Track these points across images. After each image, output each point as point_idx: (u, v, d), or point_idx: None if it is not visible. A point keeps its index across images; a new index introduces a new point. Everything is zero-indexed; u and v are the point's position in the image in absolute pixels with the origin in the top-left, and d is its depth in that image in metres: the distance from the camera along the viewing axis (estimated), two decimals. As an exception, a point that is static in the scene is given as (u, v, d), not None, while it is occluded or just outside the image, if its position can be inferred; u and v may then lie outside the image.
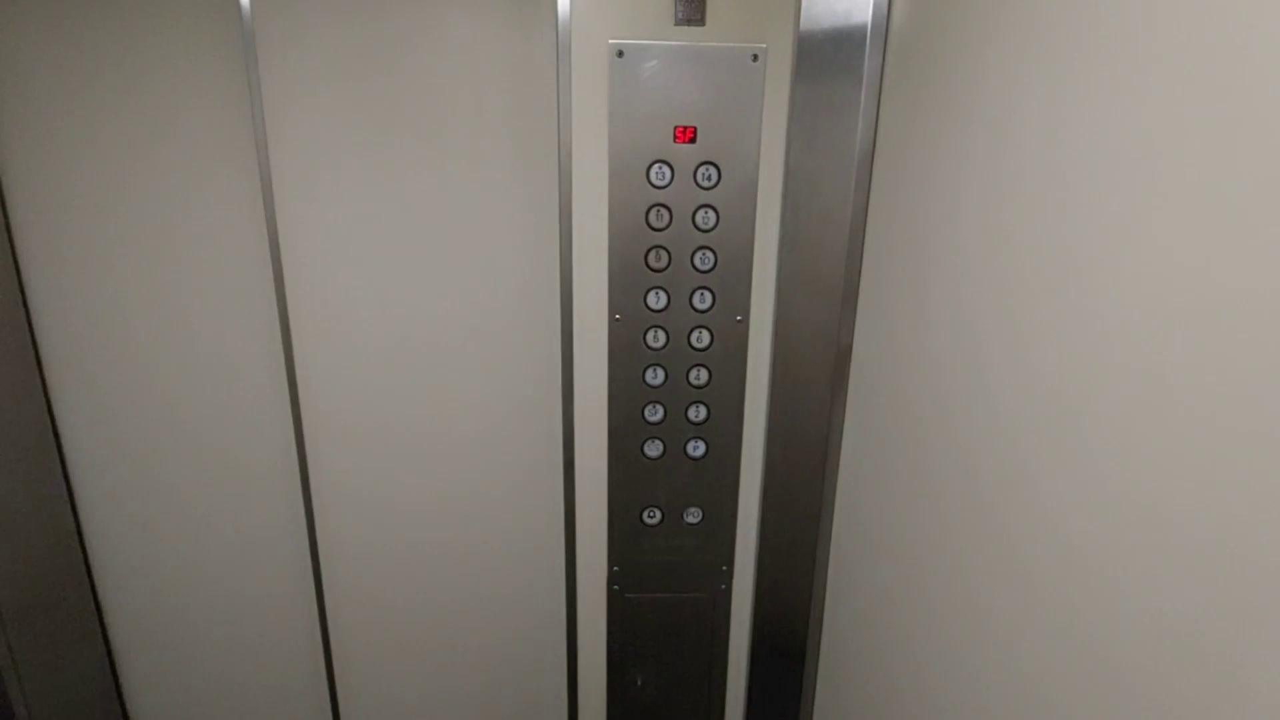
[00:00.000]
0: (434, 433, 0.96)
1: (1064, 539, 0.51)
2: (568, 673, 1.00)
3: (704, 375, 0.88)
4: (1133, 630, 0.44)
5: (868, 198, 0.79)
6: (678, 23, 0.76)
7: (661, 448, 0.90)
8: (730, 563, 0.96)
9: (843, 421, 0.87)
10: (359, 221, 0.88)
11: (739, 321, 0.86)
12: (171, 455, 0.98)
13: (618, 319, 0.85)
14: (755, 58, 0.78)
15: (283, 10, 0.81)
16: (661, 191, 0.81)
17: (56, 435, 0.95)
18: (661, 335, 0.86)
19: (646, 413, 0.89)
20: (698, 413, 0.89)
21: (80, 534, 1.00)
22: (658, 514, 0.93)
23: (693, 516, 0.93)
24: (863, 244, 0.81)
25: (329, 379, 0.93)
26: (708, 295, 0.85)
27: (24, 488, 0.92)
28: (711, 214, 0.82)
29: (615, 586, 0.96)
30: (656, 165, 0.80)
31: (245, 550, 1.02)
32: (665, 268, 0.84)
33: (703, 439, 0.90)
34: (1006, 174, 0.56)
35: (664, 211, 0.82)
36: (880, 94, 0.77)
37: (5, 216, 0.87)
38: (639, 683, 1.00)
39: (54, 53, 0.82)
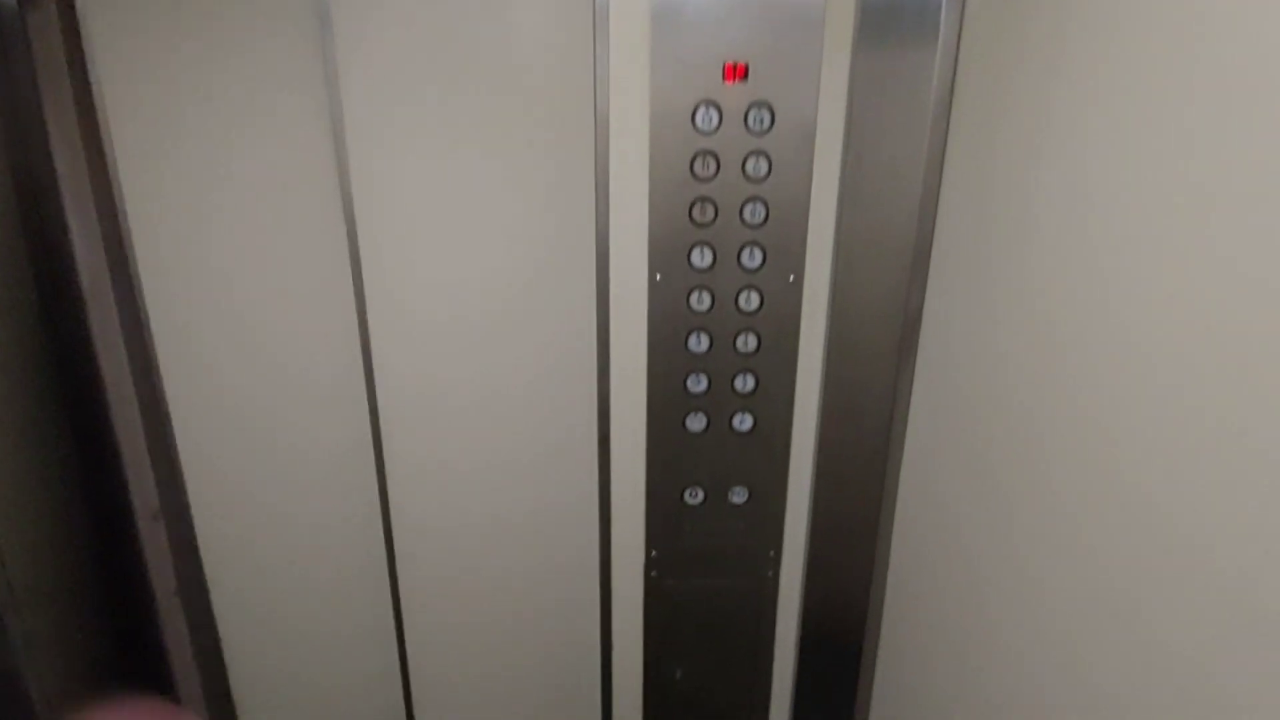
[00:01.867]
0: (470, 405, 0.89)
1: (1157, 541, 0.43)
2: (601, 663, 0.93)
3: (752, 341, 0.80)
4: (1226, 639, 0.36)
5: (944, 147, 0.71)
6: (728, -56, 0.69)
7: (705, 421, 0.83)
8: (779, 547, 0.89)
9: (909, 394, 0.78)
10: (428, 185, 0.81)
11: (792, 282, 0.78)
12: (240, 427, 0.91)
13: (658, 279, 0.78)
14: (815, -17, 0.70)
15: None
16: (708, 137, 0.73)
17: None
18: (706, 297, 0.79)
19: (689, 383, 0.81)
20: (745, 383, 0.82)
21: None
22: (700, 493, 0.86)
23: (738, 496, 0.86)
24: (937, 198, 0.72)
25: (402, 349, 0.87)
26: (758, 252, 0.77)
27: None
28: (763, 162, 0.74)
29: (654, 573, 0.89)
30: (703, 107, 0.73)
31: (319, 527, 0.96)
32: (711, 222, 0.76)
33: (750, 412, 0.83)
34: (1102, 131, 0.48)
35: (710, 159, 0.74)
36: (961, 28, 0.68)
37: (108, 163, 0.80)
38: (678, 675, 0.93)
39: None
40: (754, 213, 0.76)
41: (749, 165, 0.74)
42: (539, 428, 0.90)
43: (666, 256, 0.77)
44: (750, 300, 0.79)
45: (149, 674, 1.03)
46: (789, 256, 0.78)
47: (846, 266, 0.77)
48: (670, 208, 0.76)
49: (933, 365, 0.75)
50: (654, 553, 0.88)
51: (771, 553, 0.89)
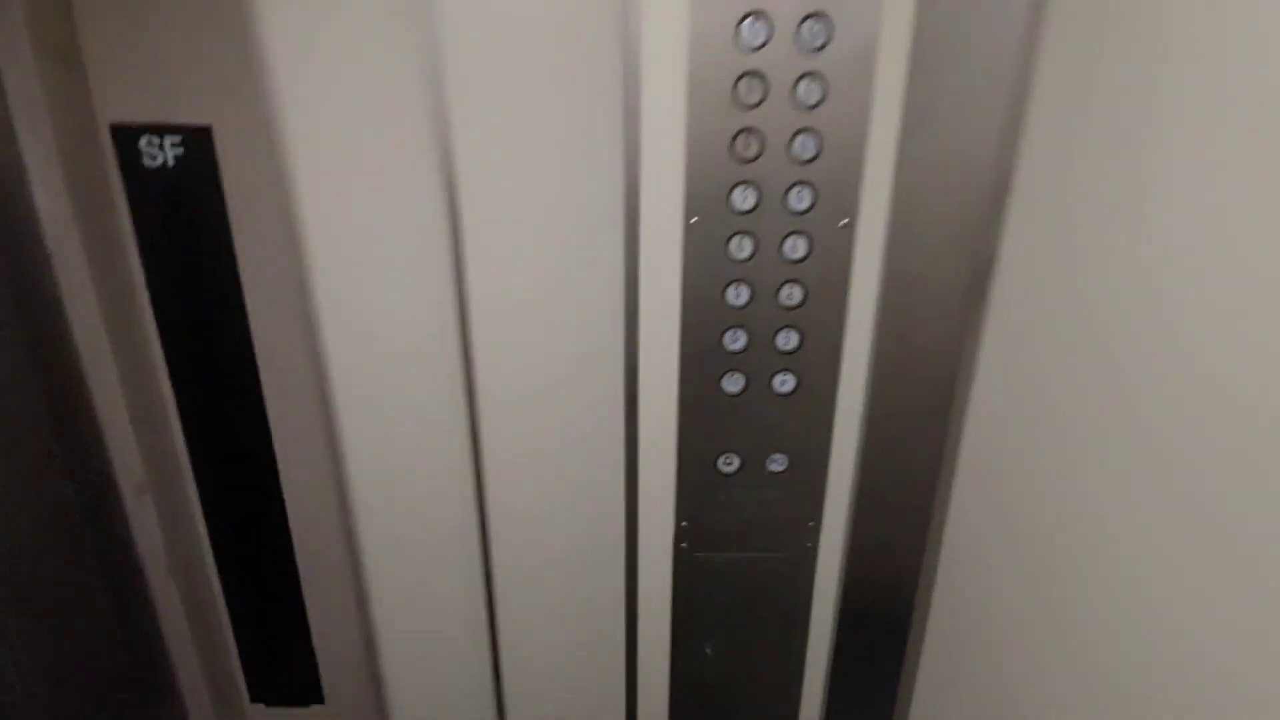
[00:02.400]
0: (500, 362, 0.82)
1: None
2: (626, 639, 0.88)
3: (797, 294, 0.72)
4: None
5: (1031, 65, 0.61)
6: None
7: (743, 382, 0.75)
8: (818, 518, 0.82)
9: (976, 355, 0.71)
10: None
11: (844, 226, 0.70)
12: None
13: (694, 222, 0.69)
14: None
15: None
16: (754, 55, 0.64)
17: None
18: (748, 243, 0.70)
19: (726, 339, 0.74)
20: (788, 339, 0.74)
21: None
22: (735, 460, 0.79)
23: (777, 464, 0.79)
24: (1019, 129, 0.63)
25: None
26: (807, 193, 0.68)
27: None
28: (817, 86, 0.65)
29: (683, 544, 0.82)
30: (750, 19, 0.63)
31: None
32: (756, 157, 0.67)
33: (792, 372, 0.75)
34: (1238, 39, 0.38)
35: (757, 82, 0.65)
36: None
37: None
38: (707, 650, 0.87)
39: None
40: (805, 146, 0.67)
41: (801, 89, 0.65)
42: (558, 386, 0.82)
43: (704, 196, 0.68)
44: (796, 247, 0.70)
45: (145, 656, 0.97)
46: (842, 197, 0.69)
47: (907, 209, 0.68)
48: (710, 140, 0.67)
49: (1007, 323, 0.67)
50: (684, 523, 0.81)
51: (810, 523, 0.82)
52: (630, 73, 0.65)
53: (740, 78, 0.64)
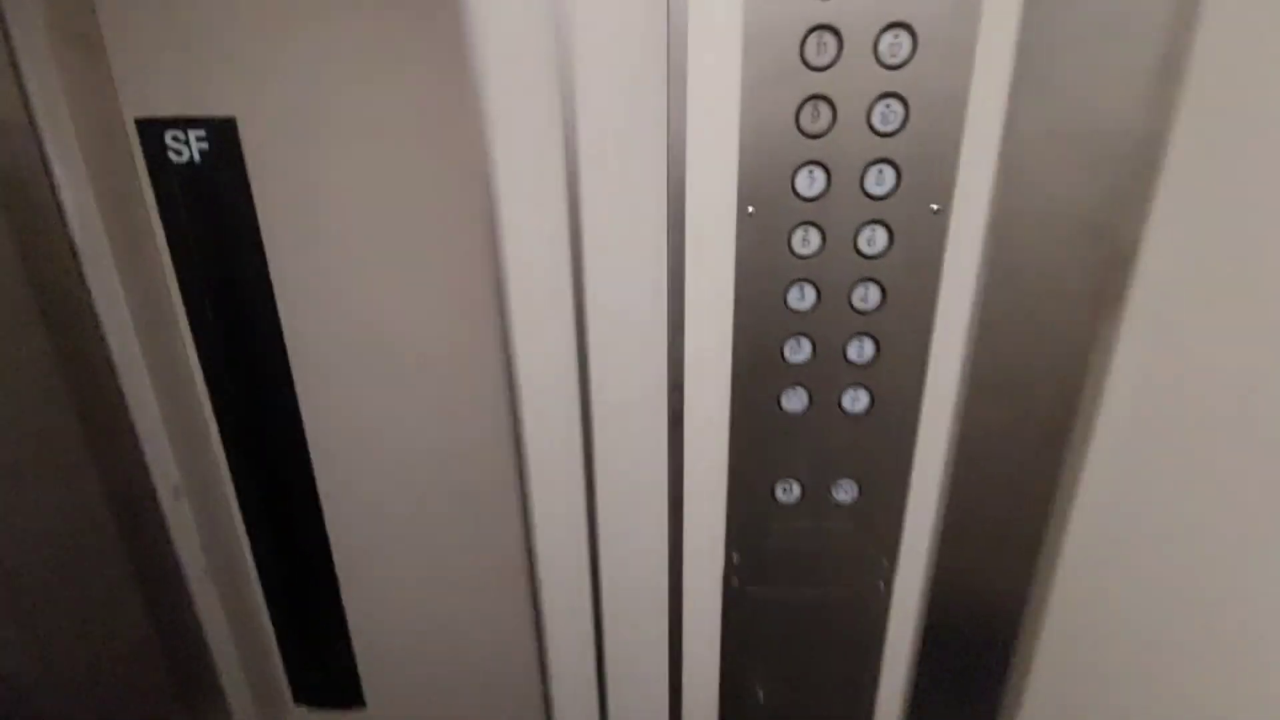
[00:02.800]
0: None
1: None
2: (669, 680, 0.79)
3: (874, 295, 0.60)
4: None
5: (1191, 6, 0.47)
6: None
7: (806, 399, 0.64)
8: (893, 555, 0.70)
9: (1105, 370, 0.57)
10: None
11: (935, 212, 0.57)
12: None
13: (751, 212, 0.58)
14: None
15: None
16: (826, 4, 0.52)
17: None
18: (814, 236, 0.59)
19: (787, 350, 0.63)
20: (861, 350, 0.62)
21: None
22: (796, 488, 0.68)
23: (845, 493, 0.68)
24: (1175, 85, 0.49)
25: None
26: (889, 173, 0.56)
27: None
28: (904, 39, 0.52)
29: (735, 580, 0.72)
30: (821, -42, 0.51)
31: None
32: (826, 130, 0.55)
33: (866, 387, 0.63)
34: None
35: (829, 38, 0.53)
36: None
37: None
38: (760, 698, 0.77)
39: None
40: (887, 116, 0.55)
41: (883, 45, 0.53)
42: (595, 400, 0.74)
43: (763, 180, 0.57)
44: (875, 239, 0.58)
45: (187, 660, 0.96)
46: (933, 177, 0.56)
47: (1017, 189, 0.55)
48: (770, 110, 0.55)
49: (1149, 329, 0.53)
50: (736, 557, 0.71)
51: (884, 560, 0.71)
52: (677, 31, 0.54)
53: (809, 33, 0.53)
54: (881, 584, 0.72)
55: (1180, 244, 0.50)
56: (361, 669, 1.03)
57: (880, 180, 0.57)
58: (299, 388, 0.83)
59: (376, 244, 0.72)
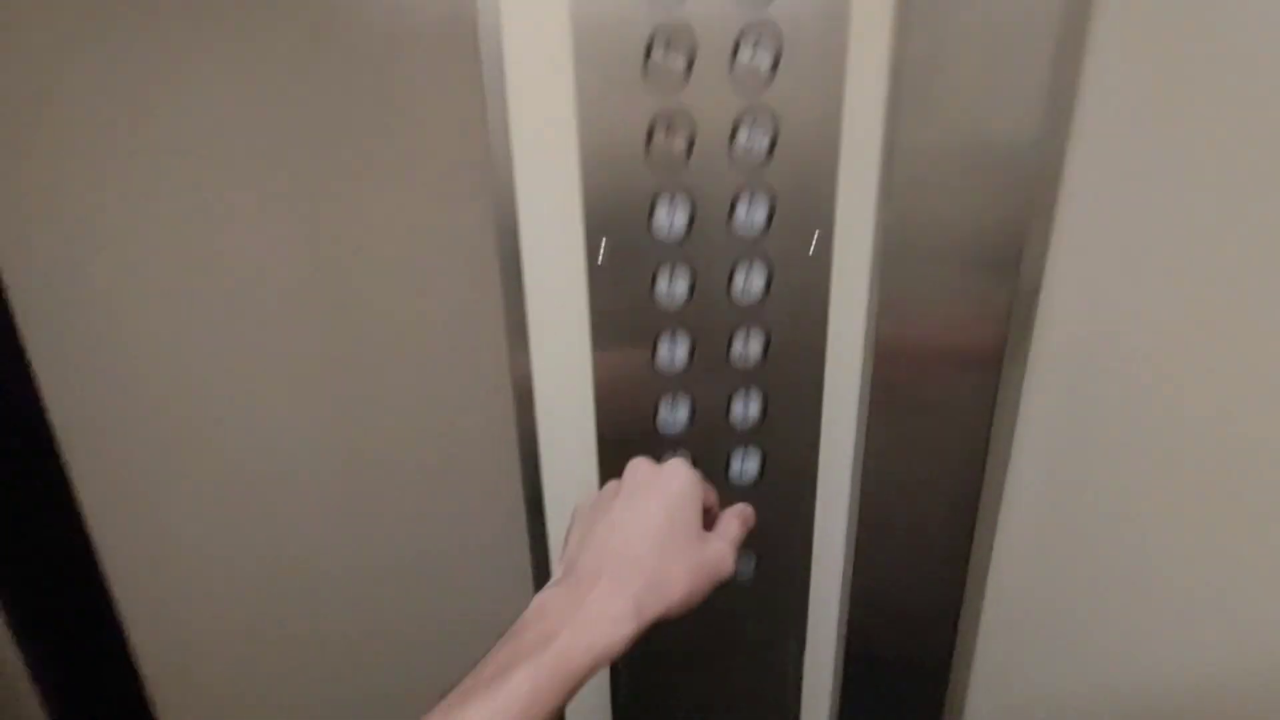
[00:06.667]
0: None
1: None
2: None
3: (757, 344, 0.51)
4: None
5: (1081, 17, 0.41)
6: None
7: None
8: (801, 638, 0.61)
9: (1014, 413, 0.50)
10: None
11: (818, 243, 0.49)
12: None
13: (605, 257, 0.47)
14: None
15: None
16: (671, 3, 0.42)
17: None
18: (682, 280, 0.49)
19: (660, 414, 0.52)
20: (747, 409, 0.53)
21: None
22: (685, 572, 0.57)
23: (741, 570, 0.58)
24: (1076, 82, 0.42)
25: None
26: (762, 201, 0.47)
27: None
28: (768, 42, 0.43)
29: (622, 680, 0.61)
30: (661, -57, 0.41)
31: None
32: (685, 151, 0.45)
33: (757, 448, 0.54)
34: None
35: (681, 38, 0.43)
36: None
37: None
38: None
39: None
40: (754, 133, 0.45)
41: (745, 50, 0.43)
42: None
43: (614, 217, 0.47)
44: (753, 282, 0.49)
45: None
46: (812, 204, 0.48)
47: (909, 212, 0.47)
48: (614, 129, 0.45)
49: (1065, 362, 0.47)
50: (614, 666, 0.60)
51: (793, 646, 0.62)
52: (488, 23, 0.42)
53: (654, 34, 0.43)
54: (790, 671, 0.63)
55: (1091, 269, 0.45)
56: None
57: (754, 209, 0.47)
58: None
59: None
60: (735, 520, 0.44)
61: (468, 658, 0.35)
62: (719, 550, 0.41)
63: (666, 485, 0.41)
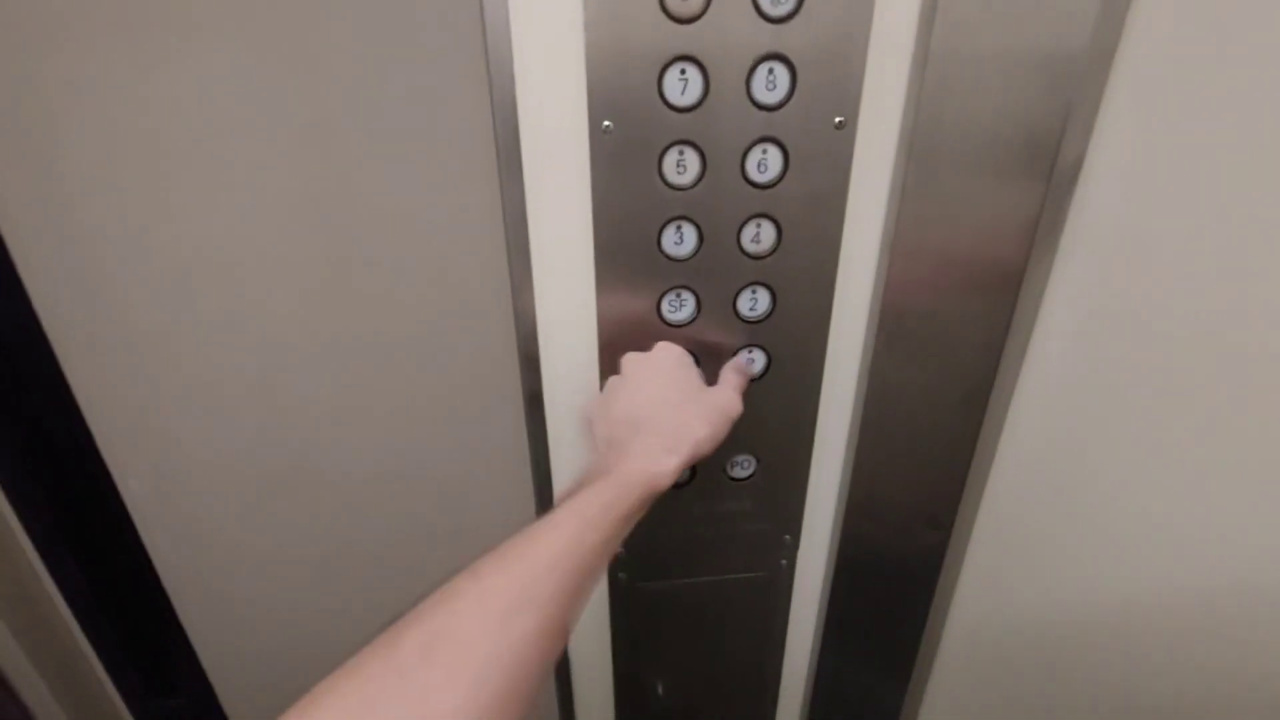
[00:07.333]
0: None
1: None
2: (558, 682, 0.70)
3: (769, 233, 0.49)
4: None
5: None
6: None
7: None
8: (796, 530, 0.62)
9: (1035, 313, 0.49)
10: None
11: (838, 127, 0.46)
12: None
13: (608, 128, 0.45)
14: None
15: None
16: None
17: None
18: (692, 159, 0.46)
19: (665, 306, 0.51)
20: (753, 302, 0.51)
21: None
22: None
23: (741, 468, 0.58)
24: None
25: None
26: (783, 75, 0.44)
27: None
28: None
29: (621, 574, 0.62)
30: None
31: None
32: (698, 15, 0.42)
33: (761, 347, 0.53)
34: None
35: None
36: None
37: None
38: (660, 691, 0.70)
39: None
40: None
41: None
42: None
43: (621, 86, 0.43)
44: (766, 163, 0.46)
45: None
46: (833, 82, 0.44)
47: (940, 90, 0.44)
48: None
49: (1085, 277, 0.45)
50: (621, 550, 0.61)
51: (786, 536, 0.63)
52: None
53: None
54: (784, 563, 0.64)
55: (1129, 149, 0.42)
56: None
57: (771, 85, 0.44)
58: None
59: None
60: (731, 371, 0.50)
61: (469, 558, 0.35)
62: (725, 394, 0.47)
63: (661, 360, 0.48)
